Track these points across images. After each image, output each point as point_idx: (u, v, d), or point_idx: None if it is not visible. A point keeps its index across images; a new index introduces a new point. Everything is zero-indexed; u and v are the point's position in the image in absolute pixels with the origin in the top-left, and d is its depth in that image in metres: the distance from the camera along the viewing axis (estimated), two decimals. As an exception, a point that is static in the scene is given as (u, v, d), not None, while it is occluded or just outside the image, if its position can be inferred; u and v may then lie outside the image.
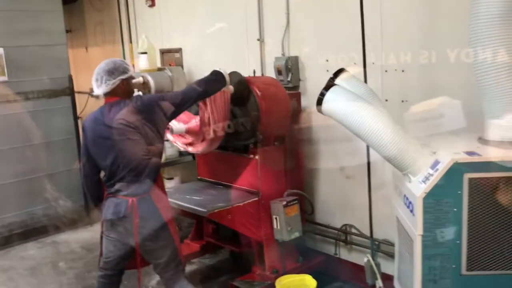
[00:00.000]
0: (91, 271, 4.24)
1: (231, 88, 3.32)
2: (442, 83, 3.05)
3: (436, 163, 2.30)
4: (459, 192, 2.23)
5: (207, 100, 3.28)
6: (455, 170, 2.22)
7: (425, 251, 2.31)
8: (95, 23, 6.16)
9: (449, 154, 2.27)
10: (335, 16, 3.57)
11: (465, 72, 2.87)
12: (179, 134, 3.53)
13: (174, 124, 3.40)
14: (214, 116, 3.32)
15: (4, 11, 4.82)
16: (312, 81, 3.80)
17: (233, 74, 3.40)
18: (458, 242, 2.26)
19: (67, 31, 5.62)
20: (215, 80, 3.15)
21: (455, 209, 2.25)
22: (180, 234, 3.28)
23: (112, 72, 2.86)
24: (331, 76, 2.72)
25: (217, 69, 3.22)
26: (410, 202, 2.39)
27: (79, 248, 4.83)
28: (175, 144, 3.74)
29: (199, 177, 4.00)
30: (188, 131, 3.47)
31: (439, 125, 2.51)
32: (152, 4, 5.13)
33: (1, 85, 4.84)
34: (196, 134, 3.47)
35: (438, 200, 2.26)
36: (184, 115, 3.49)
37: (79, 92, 5.78)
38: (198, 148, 3.52)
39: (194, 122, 3.47)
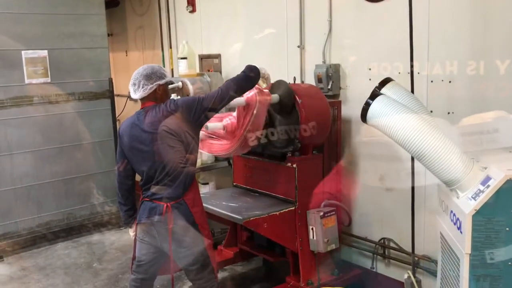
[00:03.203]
0: (125, 273, 4.27)
1: (275, 96, 3.26)
2: (491, 96, 2.93)
3: (488, 179, 2.18)
4: (512, 211, 2.11)
5: (247, 107, 3.24)
6: (509, 188, 2.10)
7: (473, 271, 2.20)
8: (136, 27, 6.25)
9: (502, 170, 2.15)
10: (379, 24, 3.49)
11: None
12: (212, 134, 3.43)
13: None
14: (250, 122, 3.26)
15: (48, 15, 4.95)
16: (353, 89, 3.73)
17: (278, 82, 3.35)
18: (510, 264, 2.14)
19: (108, 35, 5.72)
20: (249, 76, 3.02)
21: (507, 229, 2.13)
22: (213, 240, 3.25)
23: (149, 77, 2.86)
24: (377, 85, 2.63)
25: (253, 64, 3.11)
26: (457, 219, 2.28)
27: (113, 249, 4.87)
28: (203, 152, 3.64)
29: (234, 184, 3.97)
30: (225, 128, 3.32)
31: (492, 140, 2.38)
32: (193, 10, 5.16)
33: (44, 86, 4.96)
34: (232, 133, 3.33)
35: (489, 218, 2.14)
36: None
37: (118, 95, 5.87)
38: (224, 150, 3.43)
39: (229, 119, 3.34)
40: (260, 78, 3.13)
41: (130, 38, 6.41)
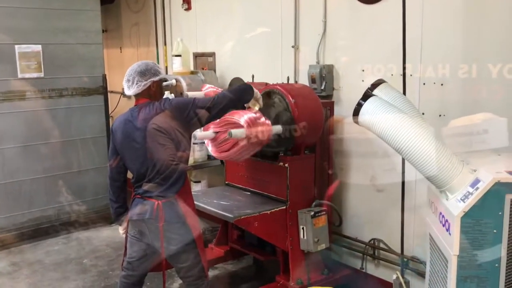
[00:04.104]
0: (115, 270, 4.26)
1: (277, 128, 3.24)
2: (483, 99, 2.95)
3: (477, 181, 2.21)
4: (500, 213, 2.14)
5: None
6: (497, 190, 2.13)
7: (460, 272, 2.22)
8: (131, 24, 6.24)
9: (491, 173, 2.18)
10: (373, 26, 3.51)
11: (508, 89, 2.80)
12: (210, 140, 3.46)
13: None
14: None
15: (43, 9, 4.93)
16: (346, 90, 3.75)
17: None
18: (497, 265, 2.16)
19: (103, 31, 5.70)
20: (245, 90, 3.06)
21: (495, 231, 2.15)
22: (204, 238, 3.25)
23: (144, 73, 2.86)
24: (369, 86, 2.65)
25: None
26: (446, 221, 2.30)
27: (103, 246, 4.86)
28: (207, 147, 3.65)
29: (226, 182, 3.98)
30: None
31: (482, 141, 2.41)
32: (188, 8, 5.16)
33: (37, 81, 4.93)
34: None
35: (477, 220, 2.17)
36: None
37: (111, 92, 5.86)
38: (228, 154, 3.40)
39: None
40: (253, 100, 3.13)
41: (125, 34, 6.40)
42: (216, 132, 3.27)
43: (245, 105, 3.18)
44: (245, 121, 3.13)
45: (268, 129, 3.20)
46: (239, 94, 3.03)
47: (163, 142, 2.80)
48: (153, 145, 2.81)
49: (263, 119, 3.21)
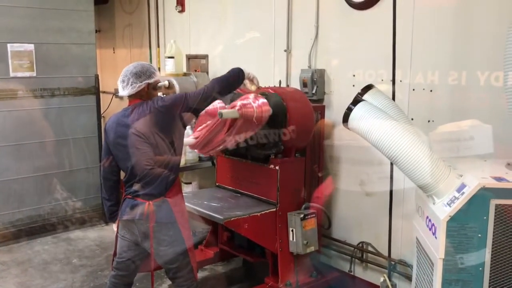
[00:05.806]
0: (104, 270, 4.26)
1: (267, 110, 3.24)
2: (471, 106, 3.00)
3: (463, 186, 2.25)
4: (485, 217, 2.18)
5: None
6: (482, 195, 2.17)
7: (445, 275, 2.26)
8: (124, 25, 6.24)
9: (476, 178, 2.22)
10: (365, 32, 3.55)
11: (495, 96, 2.85)
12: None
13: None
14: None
15: (37, 8, 4.93)
16: (337, 95, 3.78)
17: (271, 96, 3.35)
18: (481, 269, 2.20)
19: (96, 31, 5.70)
20: (234, 77, 3.06)
21: (479, 235, 2.19)
22: (194, 240, 3.27)
23: (139, 75, 2.88)
24: (359, 91, 2.69)
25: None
26: (433, 225, 2.35)
27: (94, 246, 4.86)
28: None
29: (217, 184, 3.99)
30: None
31: (468, 147, 2.46)
32: (182, 10, 5.18)
33: (29, 80, 4.92)
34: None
35: (462, 224, 2.21)
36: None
37: (104, 92, 5.86)
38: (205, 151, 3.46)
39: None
40: (248, 81, 3.16)
41: (118, 35, 6.40)
42: (196, 138, 3.30)
43: (241, 87, 3.20)
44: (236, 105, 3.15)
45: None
46: (229, 81, 3.03)
47: (151, 142, 2.82)
48: (142, 146, 2.82)
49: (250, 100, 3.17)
